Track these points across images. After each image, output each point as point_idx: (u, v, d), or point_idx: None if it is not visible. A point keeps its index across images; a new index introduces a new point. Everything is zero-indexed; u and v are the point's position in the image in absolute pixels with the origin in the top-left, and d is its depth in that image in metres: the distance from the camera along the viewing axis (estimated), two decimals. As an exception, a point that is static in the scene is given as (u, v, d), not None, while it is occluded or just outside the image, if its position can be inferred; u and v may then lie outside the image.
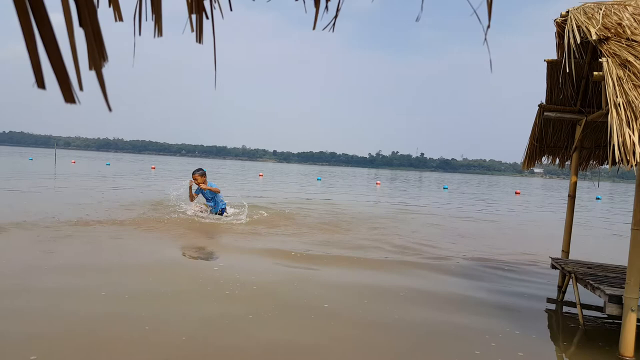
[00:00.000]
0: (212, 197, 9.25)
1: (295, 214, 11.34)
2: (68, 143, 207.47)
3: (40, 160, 41.06)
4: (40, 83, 0.77)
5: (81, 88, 0.81)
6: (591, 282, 4.27)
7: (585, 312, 4.88)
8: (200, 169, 9.14)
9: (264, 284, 5.01)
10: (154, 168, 39.20)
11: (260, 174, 40.71)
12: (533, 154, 6.16)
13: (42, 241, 6.39)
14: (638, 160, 3.02)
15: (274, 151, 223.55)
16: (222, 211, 9.27)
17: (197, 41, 1.22)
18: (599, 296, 4.06)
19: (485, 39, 1.18)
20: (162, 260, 5.89)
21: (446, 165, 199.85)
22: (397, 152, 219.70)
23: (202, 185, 8.99)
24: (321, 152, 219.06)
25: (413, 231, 9.91)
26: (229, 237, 7.73)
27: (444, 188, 34.03)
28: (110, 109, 0.88)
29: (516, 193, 32.48)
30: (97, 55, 0.86)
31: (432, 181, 52.32)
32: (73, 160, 44.87)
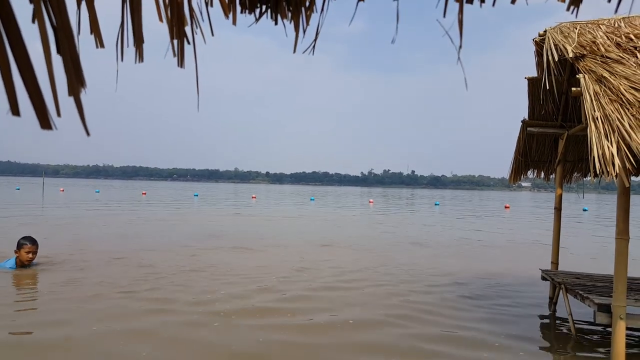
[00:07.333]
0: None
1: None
2: (57, 171, 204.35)
3: (27, 189, 40.52)
4: (15, 110, 0.76)
5: (59, 114, 0.80)
6: (580, 292, 4.36)
7: (578, 322, 4.94)
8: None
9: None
10: (145, 194, 38.94)
11: (253, 196, 40.67)
12: (519, 169, 6.31)
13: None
14: (617, 172, 3.13)
15: (267, 173, 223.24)
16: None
17: (178, 65, 1.25)
18: (589, 306, 4.14)
19: (459, 58, 1.25)
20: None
21: (437, 182, 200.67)
22: (389, 170, 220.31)
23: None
24: (314, 172, 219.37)
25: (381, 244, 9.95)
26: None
27: (435, 204, 34.26)
28: (88, 134, 0.88)
29: (505, 207, 32.74)
30: (75, 81, 0.84)
31: (424, 198, 52.53)
32: (61, 189, 44.12)
